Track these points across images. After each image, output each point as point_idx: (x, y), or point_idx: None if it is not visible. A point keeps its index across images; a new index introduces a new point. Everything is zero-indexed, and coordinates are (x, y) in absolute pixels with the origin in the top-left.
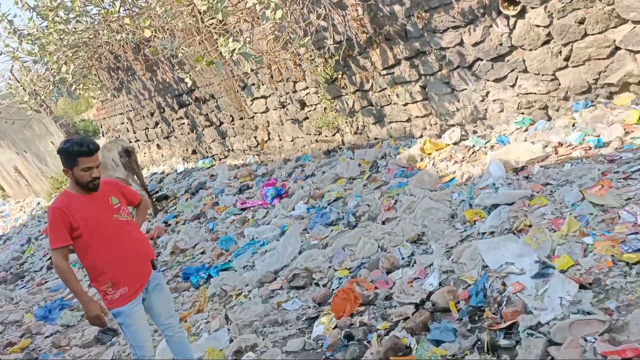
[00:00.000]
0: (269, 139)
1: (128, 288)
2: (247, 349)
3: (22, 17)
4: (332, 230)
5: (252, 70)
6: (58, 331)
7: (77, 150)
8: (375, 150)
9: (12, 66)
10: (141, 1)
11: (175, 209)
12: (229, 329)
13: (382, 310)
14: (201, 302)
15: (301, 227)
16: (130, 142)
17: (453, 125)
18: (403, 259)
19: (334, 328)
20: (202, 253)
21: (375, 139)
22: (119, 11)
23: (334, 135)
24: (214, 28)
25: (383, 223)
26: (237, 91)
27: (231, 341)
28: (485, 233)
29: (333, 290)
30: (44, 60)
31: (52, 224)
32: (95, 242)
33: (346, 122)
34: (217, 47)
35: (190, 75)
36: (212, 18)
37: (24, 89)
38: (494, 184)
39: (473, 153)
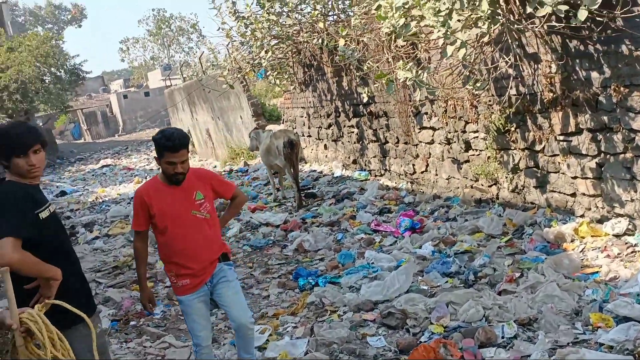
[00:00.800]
0: (426, 170)
1: (190, 281)
2: None
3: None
4: (446, 281)
5: (427, 98)
6: None
7: (163, 144)
8: (527, 215)
9: (229, 43)
10: (347, 11)
11: (317, 209)
12: (308, 341)
13: None
14: (298, 306)
15: (417, 268)
16: (302, 135)
17: (621, 216)
18: (503, 338)
19: None
20: (321, 260)
21: (532, 203)
22: (326, 15)
23: (490, 186)
24: (402, 50)
25: (499, 293)
26: (409, 116)
27: (306, 354)
28: (603, 345)
29: (420, 342)
30: (250, 44)
31: (134, 206)
32: (167, 233)
33: (506, 177)
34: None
35: (368, 90)
36: (405, 40)
37: (227, 64)
38: (638, 295)
39: (632, 252)
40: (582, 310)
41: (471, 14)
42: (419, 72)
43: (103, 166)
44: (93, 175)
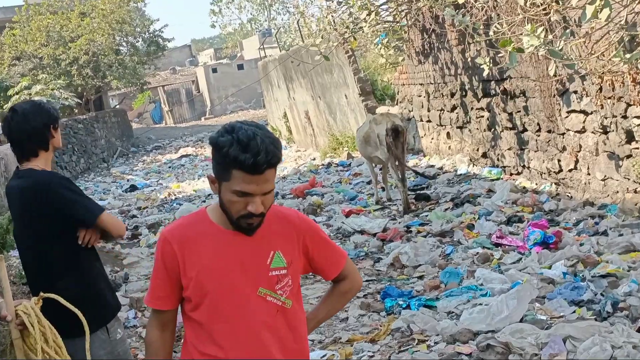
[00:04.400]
0: (575, 168)
1: None
2: None
3: None
4: (573, 311)
5: (575, 72)
6: None
7: (234, 157)
8: None
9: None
10: None
11: (427, 215)
12: None
13: None
14: (380, 332)
15: (536, 293)
16: (420, 120)
17: None
18: None
19: None
20: (419, 278)
21: None
22: None
23: None
24: (534, 11)
25: (638, 330)
26: (553, 95)
27: None
28: None
29: None
30: (350, 3)
31: (155, 265)
32: (207, 322)
33: None
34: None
35: (490, 62)
36: None
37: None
38: None
39: None
40: None
41: None
42: (552, 38)
43: (182, 156)
44: (170, 167)
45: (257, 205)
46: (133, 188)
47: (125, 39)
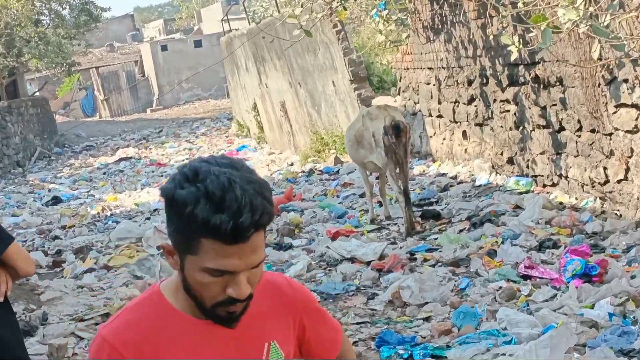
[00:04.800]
0: (625, 178)
1: None
2: None
3: None
4: None
5: (625, 56)
6: None
7: (204, 221)
8: None
9: None
10: None
11: (437, 238)
12: None
13: None
14: None
15: (574, 340)
16: (428, 115)
17: None
18: None
19: None
20: (426, 320)
21: None
22: None
23: None
24: None
25: None
26: (598, 84)
27: None
28: None
29: None
30: None
31: None
32: None
33: None
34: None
35: (519, 41)
36: None
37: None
38: None
39: None
40: None
41: None
42: (597, 11)
43: (121, 159)
44: (105, 173)
45: (241, 286)
46: (56, 200)
47: (47, 5)
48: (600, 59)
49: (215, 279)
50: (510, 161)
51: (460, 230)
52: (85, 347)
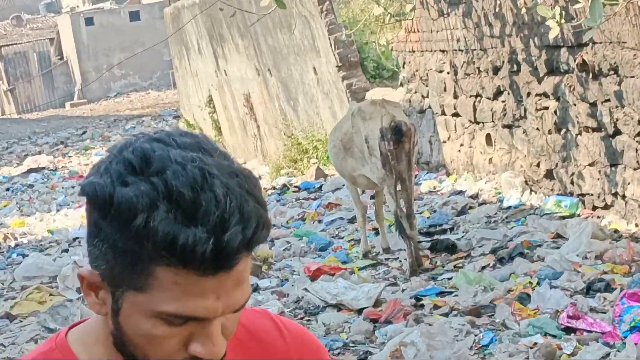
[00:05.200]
0: None
1: None
2: None
3: None
4: None
5: None
6: None
7: (166, 235)
8: None
9: None
10: None
11: (452, 278)
12: None
13: None
14: None
15: None
16: (440, 113)
17: None
18: None
19: None
20: None
21: None
22: None
23: None
24: None
25: None
26: None
27: None
28: None
29: None
30: None
31: None
32: None
33: None
34: None
35: (561, 15)
36: None
37: None
38: None
39: None
40: None
41: None
42: None
43: (31, 170)
44: (8, 189)
45: (214, 341)
46: None
47: None
48: None
49: (174, 329)
50: (549, 175)
51: (483, 268)
52: None
